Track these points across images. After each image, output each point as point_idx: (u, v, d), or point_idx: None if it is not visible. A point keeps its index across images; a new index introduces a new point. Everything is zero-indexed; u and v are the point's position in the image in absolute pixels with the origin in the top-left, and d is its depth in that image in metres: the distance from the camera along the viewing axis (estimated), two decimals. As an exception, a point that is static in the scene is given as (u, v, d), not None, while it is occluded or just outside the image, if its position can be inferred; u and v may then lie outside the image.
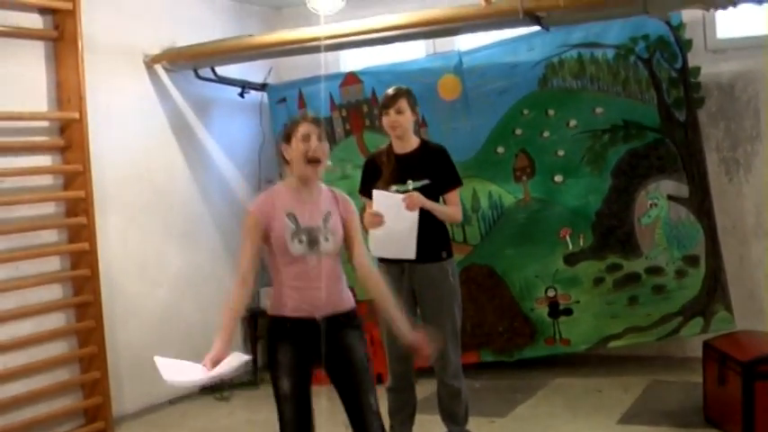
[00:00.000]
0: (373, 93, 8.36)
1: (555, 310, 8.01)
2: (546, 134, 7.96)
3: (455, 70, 8.16)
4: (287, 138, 4.84)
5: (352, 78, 8.54)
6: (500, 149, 8.04)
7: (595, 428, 6.73)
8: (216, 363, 4.61)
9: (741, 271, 8.02)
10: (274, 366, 4.82)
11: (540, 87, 7.96)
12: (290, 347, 4.81)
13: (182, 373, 4.85)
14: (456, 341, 6.17)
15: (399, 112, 5.95)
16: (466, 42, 8.52)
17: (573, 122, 7.89)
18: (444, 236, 6.09)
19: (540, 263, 7.99)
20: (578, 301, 7.94)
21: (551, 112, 7.95)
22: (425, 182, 5.93)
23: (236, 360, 4.61)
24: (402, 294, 5.74)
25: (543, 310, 8.05)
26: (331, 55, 8.63)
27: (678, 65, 7.69)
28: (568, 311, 7.99)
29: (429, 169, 5.99)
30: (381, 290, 4.99)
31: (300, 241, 4.74)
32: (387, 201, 5.83)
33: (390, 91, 6.06)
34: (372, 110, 8.36)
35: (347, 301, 4.94)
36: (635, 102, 7.74)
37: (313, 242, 4.75)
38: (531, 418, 7.11)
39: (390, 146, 6.10)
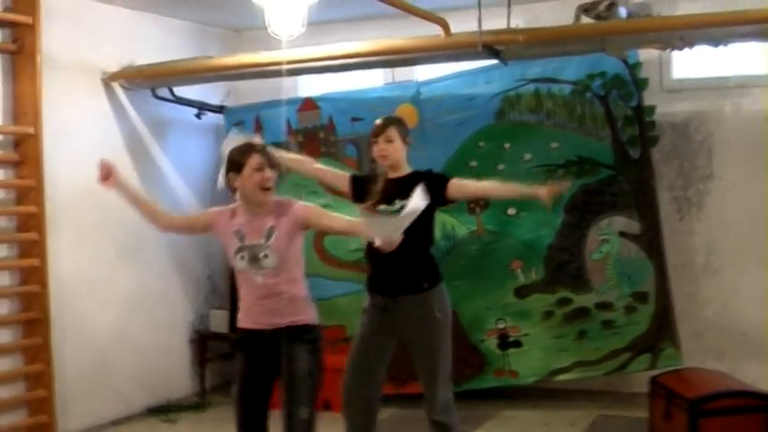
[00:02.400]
0: (330, 119, 8.40)
1: (504, 341, 8.04)
2: (501, 167, 7.97)
3: (412, 100, 8.18)
4: (237, 167, 4.96)
5: (309, 104, 8.55)
6: (455, 181, 8.07)
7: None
8: (107, 171, 5.25)
9: (690, 308, 8.10)
10: (233, 373, 5.13)
11: (497, 120, 8.00)
12: (241, 356, 5.12)
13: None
14: (445, 378, 5.95)
15: (389, 140, 5.83)
16: (424, 73, 8.57)
17: (528, 156, 7.94)
18: (426, 264, 5.91)
19: (491, 294, 8.02)
20: (528, 334, 7.97)
21: (507, 145, 8.00)
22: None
23: None
24: (380, 333, 5.75)
25: (493, 342, 8.07)
26: (289, 80, 8.60)
27: (634, 103, 7.77)
28: (518, 344, 8.02)
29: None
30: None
31: (242, 258, 4.99)
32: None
33: (379, 120, 5.95)
34: (328, 136, 8.38)
35: (300, 317, 5.07)
36: (590, 138, 7.81)
37: (254, 258, 4.97)
38: (479, 449, 7.14)
39: (386, 172, 5.92)
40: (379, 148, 5.86)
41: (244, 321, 5.14)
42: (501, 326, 8.04)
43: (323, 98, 8.59)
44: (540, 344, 7.96)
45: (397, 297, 5.71)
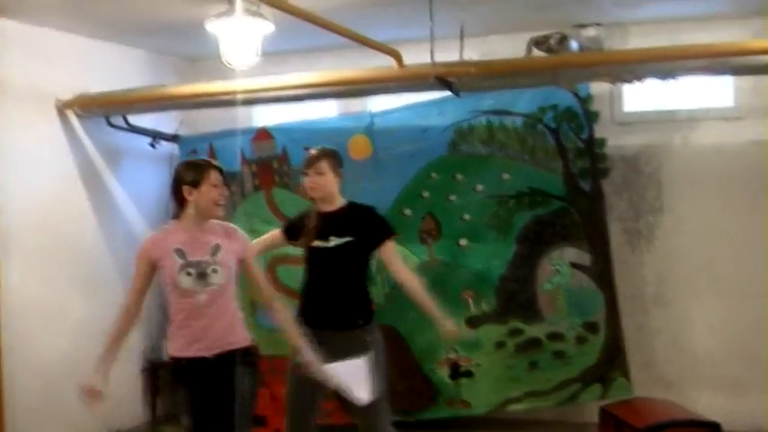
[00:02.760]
0: (284, 149, 8.41)
1: (456, 372, 8.05)
2: (453, 198, 8.04)
3: (366, 131, 8.22)
4: (194, 182, 5.08)
5: (263, 134, 8.55)
6: (407, 211, 8.10)
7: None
8: (93, 394, 5.10)
9: (640, 339, 8.16)
10: (177, 404, 5.20)
11: (450, 152, 8.05)
12: (187, 387, 5.12)
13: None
14: (383, 411, 5.88)
15: (319, 173, 5.84)
16: (378, 104, 8.61)
17: (480, 187, 7.99)
18: (361, 300, 5.93)
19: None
20: (479, 364, 7.98)
21: (459, 176, 8.04)
22: (348, 239, 5.79)
23: None
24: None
25: (444, 372, 8.07)
26: (244, 110, 8.61)
27: (585, 135, 7.85)
28: (469, 374, 8.03)
29: (353, 226, 5.85)
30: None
31: (189, 274, 5.05)
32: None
33: (313, 151, 5.97)
34: (282, 166, 8.40)
35: (241, 338, 5.23)
36: (541, 170, 7.86)
37: (201, 275, 5.06)
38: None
39: (317, 207, 5.94)
40: (309, 180, 5.88)
41: (184, 349, 5.12)
42: (452, 356, 8.05)
43: (277, 128, 8.59)
44: (492, 374, 7.97)
45: (331, 332, 5.68)
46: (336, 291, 5.71)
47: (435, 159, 8.08)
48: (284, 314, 5.48)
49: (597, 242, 7.82)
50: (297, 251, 7.96)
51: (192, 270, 5.05)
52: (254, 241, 6.04)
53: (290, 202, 8.34)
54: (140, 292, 5.24)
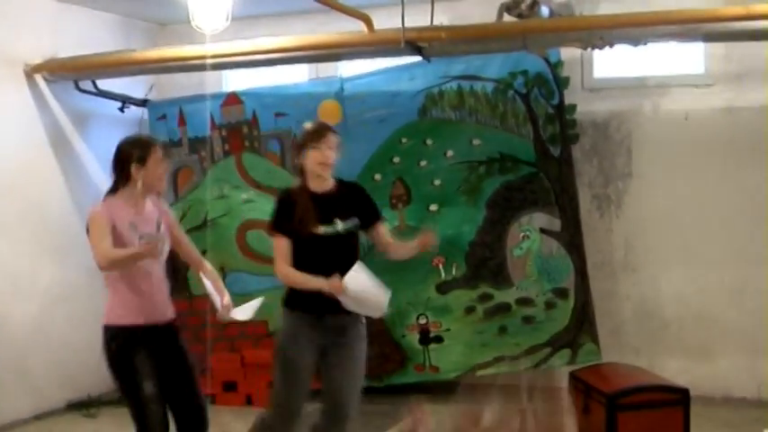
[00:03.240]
0: (254, 114, 8.39)
1: (426, 337, 8.09)
2: (423, 163, 8.06)
3: (336, 96, 8.21)
4: (141, 159, 5.12)
5: (233, 99, 8.52)
6: (377, 177, 8.11)
7: (461, 455, 6.80)
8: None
9: (609, 305, 8.20)
10: (133, 373, 5.06)
11: (420, 117, 8.06)
12: (146, 353, 5.09)
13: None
14: (359, 397, 5.72)
15: (331, 147, 5.45)
16: (348, 69, 8.59)
17: (450, 153, 8.00)
18: None
19: (413, 290, 8.04)
20: (449, 330, 8.02)
21: (429, 141, 8.06)
22: (355, 221, 5.57)
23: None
24: (307, 352, 5.52)
25: (414, 337, 8.11)
26: (214, 74, 8.58)
27: (555, 101, 7.87)
28: (439, 339, 8.07)
29: (353, 207, 5.59)
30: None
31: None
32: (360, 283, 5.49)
33: (319, 126, 5.60)
34: (252, 131, 8.37)
35: (172, 309, 5.37)
36: (512, 135, 7.88)
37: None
38: (399, 443, 7.16)
39: (304, 185, 5.54)
40: (324, 155, 5.44)
41: (136, 317, 5.11)
42: (422, 321, 8.08)
43: (247, 93, 8.57)
44: (462, 339, 8.01)
45: (328, 316, 5.50)
46: (333, 272, 5.38)
47: (406, 125, 8.09)
48: (213, 275, 5.64)
49: (567, 208, 7.85)
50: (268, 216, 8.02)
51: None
52: (278, 255, 5.51)
53: (259, 167, 8.37)
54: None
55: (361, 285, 5.40)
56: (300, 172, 5.57)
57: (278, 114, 8.36)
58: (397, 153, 8.11)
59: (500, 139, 7.93)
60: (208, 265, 5.64)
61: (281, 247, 5.47)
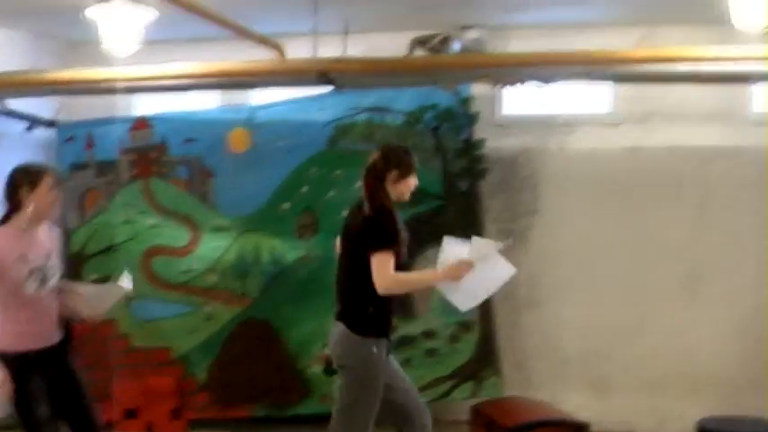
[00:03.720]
0: (163, 139, 8.32)
1: (329, 368, 8.05)
2: (332, 193, 8.06)
3: (246, 123, 8.18)
4: (32, 185, 5.14)
5: (142, 123, 8.46)
6: (285, 205, 8.12)
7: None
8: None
9: (512, 339, 8.25)
10: (27, 397, 5.06)
11: (329, 147, 8.08)
12: (39, 376, 5.14)
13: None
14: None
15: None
16: (259, 97, 8.59)
17: (359, 184, 7.97)
18: None
19: (318, 320, 7.95)
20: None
21: (338, 172, 8.06)
22: None
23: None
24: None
25: (318, 368, 8.09)
26: (124, 98, 8.51)
27: (464, 136, 7.95)
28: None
29: None
30: None
31: (34, 280, 5.12)
32: (483, 248, 5.61)
33: (407, 153, 5.74)
34: (161, 156, 8.31)
35: (60, 332, 5.35)
36: (420, 168, 7.84)
37: (44, 280, 5.16)
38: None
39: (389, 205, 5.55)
40: (413, 184, 5.70)
41: (29, 343, 5.15)
42: (326, 352, 8.05)
43: (156, 118, 8.51)
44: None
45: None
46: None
47: (315, 154, 8.10)
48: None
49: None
50: (175, 243, 7.97)
51: (36, 276, 5.14)
52: (388, 268, 5.42)
53: (167, 193, 8.30)
54: None
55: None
56: (380, 193, 5.60)
57: (187, 140, 8.32)
58: (306, 182, 8.11)
59: (408, 171, 7.93)
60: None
61: (391, 262, 5.39)
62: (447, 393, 7.92)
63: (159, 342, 8.19)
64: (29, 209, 5.13)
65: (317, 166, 8.10)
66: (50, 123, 8.78)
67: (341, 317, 5.57)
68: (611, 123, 8.21)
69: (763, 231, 7.77)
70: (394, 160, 5.63)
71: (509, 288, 8.07)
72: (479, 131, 8.05)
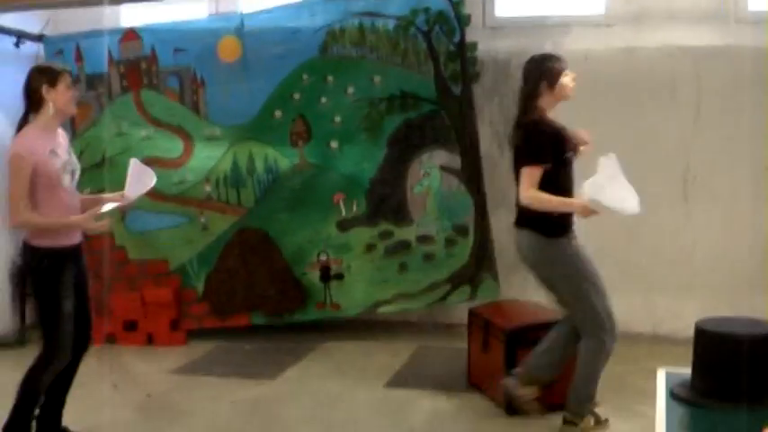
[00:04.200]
0: (152, 50, 8.24)
1: (326, 274, 8.10)
2: (324, 100, 8.03)
3: (236, 32, 8.10)
4: (51, 82, 5.28)
5: (131, 35, 8.36)
6: (278, 113, 8.07)
7: (363, 391, 6.85)
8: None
9: (508, 242, 8.20)
10: (58, 290, 5.28)
11: (321, 54, 8.00)
12: (71, 272, 5.37)
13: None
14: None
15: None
16: (249, 5, 8.50)
17: (351, 90, 7.98)
18: None
19: (313, 228, 8.06)
20: (350, 267, 8.05)
21: (330, 78, 8.02)
22: None
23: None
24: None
25: (315, 275, 8.13)
26: (111, 9, 8.43)
27: (456, 39, 7.87)
28: (340, 276, 8.09)
29: None
30: None
31: (67, 173, 5.32)
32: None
33: (546, 59, 5.79)
34: (150, 67, 8.24)
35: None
36: (413, 73, 7.87)
37: (73, 173, 5.42)
38: (301, 379, 7.18)
39: (545, 116, 5.67)
40: (569, 84, 5.80)
41: (65, 238, 5.34)
42: (323, 259, 8.10)
43: (145, 29, 8.40)
44: (363, 276, 8.04)
45: None
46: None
47: (306, 61, 8.03)
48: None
49: (467, 146, 7.89)
50: (168, 154, 7.95)
51: (67, 169, 5.33)
52: (531, 182, 5.54)
53: (158, 104, 8.25)
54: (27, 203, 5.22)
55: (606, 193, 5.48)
56: (534, 102, 5.67)
57: (177, 50, 8.24)
58: (298, 90, 8.06)
59: (401, 76, 7.92)
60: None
61: (536, 176, 5.51)
62: (444, 297, 7.96)
63: (155, 254, 8.20)
64: (50, 107, 5.27)
65: (309, 73, 8.03)
66: (38, 38, 8.68)
67: (526, 223, 5.80)
68: (604, 24, 8.11)
69: (757, 131, 7.74)
70: (534, 75, 5.72)
71: (504, 192, 8.13)
72: (472, 35, 7.98)
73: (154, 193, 8.00)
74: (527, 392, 5.91)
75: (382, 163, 7.93)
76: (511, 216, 8.16)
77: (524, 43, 8.14)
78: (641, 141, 7.93)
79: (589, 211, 5.47)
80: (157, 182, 7.99)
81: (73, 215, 5.35)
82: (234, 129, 8.04)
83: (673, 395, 3.47)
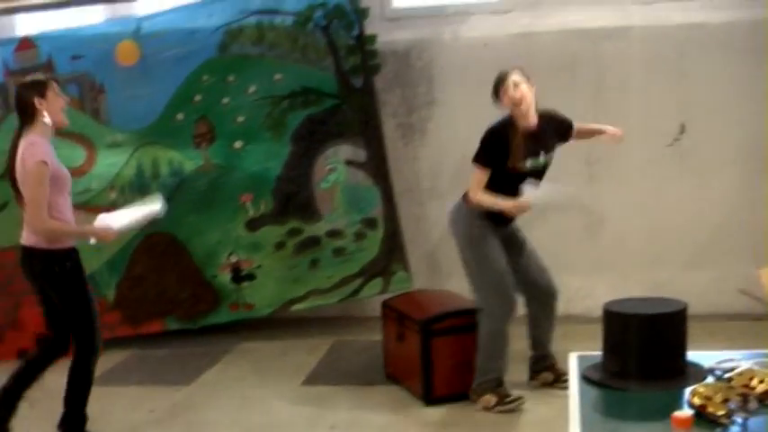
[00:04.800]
0: (49, 58, 8.11)
1: (237, 275, 8.07)
2: (226, 100, 7.98)
3: (133, 35, 8.01)
4: (41, 93, 5.47)
5: (26, 43, 8.19)
6: (180, 116, 8.00)
7: (281, 390, 6.84)
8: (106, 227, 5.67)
9: (418, 232, 8.29)
10: (84, 286, 5.65)
11: (220, 54, 7.96)
12: (81, 272, 5.66)
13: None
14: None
15: (517, 84, 5.93)
16: (145, 8, 8.40)
17: (252, 89, 7.95)
18: None
19: (222, 229, 8.02)
20: (261, 266, 8.02)
21: (231, 78, 7.98)
22: (552, 153, 6.11)
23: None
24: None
25: (226, 276, 8.09)
26: (6, 18, 8.31)
27: (355, 33, 7.89)
28: (251, 276, 8.06)
29: (555, 134, 6.16)
30: None
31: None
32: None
33: (499, 73, 6.04)
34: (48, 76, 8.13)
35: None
36: (313, 69, 7.87)
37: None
38: (218, 383, 7.15)
39: (512, 120, 5.96)
40: (515, 93, 5.94)
41: (71, 242, 5.62)
42: (233, 260, 8.07)
43: (41, 36, 8.24)
44: (274, 275, 8.02)
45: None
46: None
47: (206, 62, 7.98)
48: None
49: (371, 138, 7.90)
50: (70, 163, 7.81)
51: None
52: (477, 184, 5.99)
53: (57, 113, 8.11)
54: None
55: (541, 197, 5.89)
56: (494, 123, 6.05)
57: (74, 57, 8.10)
58: (199, 91, 8.00)
59: (302, 72, 7.91)
60: None
61: (479, 178, 5.98)
62: (357, 291, 7.97)
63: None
64: (45, 118, 5.46)
65: (209, 73, 7.99)
66: (-68, 50, 8.53)
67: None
68: (501, 11, 8.18)
69: (651, 110, 7.90)
70: (493, 91, 6.07)
71: (411, 182, 8.18)
72: (371, 27, 7.99)
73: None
74: (487, 400, 6.12)
75: (287, 160, 7.91)
76: (418, 206, 8.28)
77: (423, 33, 8.23)
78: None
79: (518, 209, 5.91)
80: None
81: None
82: (136, 133, 7.96)
83: (584, 377, 3.51)
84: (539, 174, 6.02)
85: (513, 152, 5.89)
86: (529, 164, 5.92)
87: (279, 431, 6.19)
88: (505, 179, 5.90)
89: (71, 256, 5.58)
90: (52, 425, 5.76)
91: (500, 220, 6.08)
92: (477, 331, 6.12)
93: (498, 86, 6.01)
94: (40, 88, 5.48)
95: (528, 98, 5.93)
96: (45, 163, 5.32)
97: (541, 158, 6.00)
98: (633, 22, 7.91)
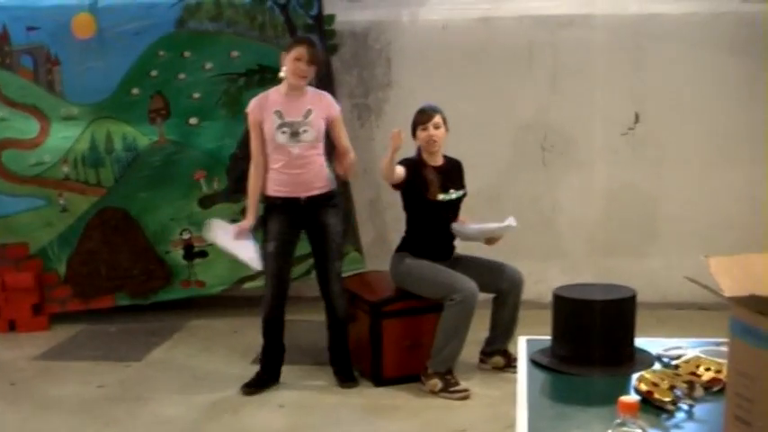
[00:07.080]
0: (4, 28, 7.99)
1: (190, 252, 8.06)
2: (182, 76, 7.95)
3: (90, 8, 7.91)
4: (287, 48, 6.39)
5: (-20, 13, 8.15)
6: (135, 91, 7.94)
7: (231, 369, 6.91)
8: (242, 231, 6.57)
9: (372, 213, 8.32)
10: (265, 233, 6.45)
11: (177, 29, 7.91)
12: (277, 219, 6.39)
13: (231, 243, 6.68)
14: None
15: (437, 127, 6.46)
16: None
17: (209, 65, 7.93)
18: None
19: (175, 205, 8.01)
20: (213, 244, 7.98)
21: (187, 54, 7.94)
22: (462, 191, 6.70)
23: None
24: None
25: (178, 253, 8.10)
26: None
27: (314, 12, 7.91)
28: (203, 254, 8.08)
29: (461, 180, 6.72)
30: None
31: (284, 132, 6.27)
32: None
33: (427, 106, 6.55)
34: (3, 46, 8.01)
35: (326, 185, 6.49)
36: (271, 46, 7.83)
37: (294, 133, 6.27)
38: (168, 360, 7.19)
39: (420, 158, 6.55)
40: (429, 135, 6.49)
41: (277, 190, 6.40)
42: (186, 236, 8.06)
43: (-5, 7, 8.19)
44: (226, 253, 7.99)
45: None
46: (446, 232, 6.62)
47: (163, 37, 7.92)
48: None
49: (328, 118, 7.88)
50: (23, 135, 7.75)
51: (287, 129, 6.27)
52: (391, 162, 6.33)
53: (12, 84, 8.01)
54: (260, 149, 6.45)
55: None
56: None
57: (30, 28, 8.00)
58: (155, 66, 7.95)
59: (259, 50, 7.89)
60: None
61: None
62: (309, 271, 7.87)
63: (15, 238, 8.02)
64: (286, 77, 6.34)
65: (166, 49, 7.93)
66: None
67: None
68: (461, -6, 8.21)
69: (607, 99, 7.95)
70: (412, 125, 6.61)
71: (366, 163, 8.17)
72: (330, 7, 8.01)
73: (10, 176, 7.88)
74: (434, 384, 6.28)
75: (242, 138, 7.78)
76: (372, 188, 8.28)
77: (382, 14, 8.26)
78: (499, 110, 8.10)
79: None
80: (14, 164, 7.93)
81: (296, 169, 6.35)
82: (91, 107, 7.89)
83: (532, 361, 3.52)
84: (454, 207, 6.64)
85: (429, 184, 6.45)
86: (441, 196, 6.47)
87: (228, 409, 6.21)
88: (428, 210, 6.53)
89: (273, 202, 6.38)
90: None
91: (438, 256, 6.57)
92: (441, 316, 6.28)
93: (419, 123, 6.53)
94: (286, 49, 6.29)
95: (440, 143, 6.53)
96: (247, 113, 6.25)
97: (452, 195, 6.57)
98: (592, 10, 7.97)
